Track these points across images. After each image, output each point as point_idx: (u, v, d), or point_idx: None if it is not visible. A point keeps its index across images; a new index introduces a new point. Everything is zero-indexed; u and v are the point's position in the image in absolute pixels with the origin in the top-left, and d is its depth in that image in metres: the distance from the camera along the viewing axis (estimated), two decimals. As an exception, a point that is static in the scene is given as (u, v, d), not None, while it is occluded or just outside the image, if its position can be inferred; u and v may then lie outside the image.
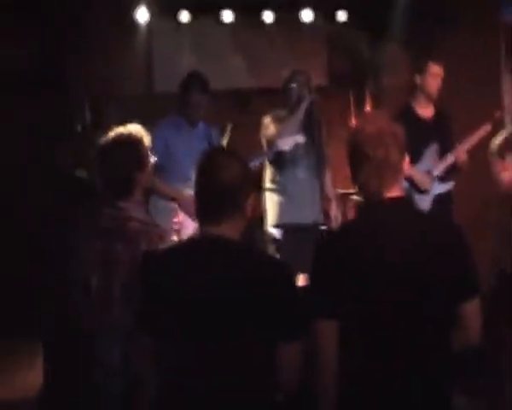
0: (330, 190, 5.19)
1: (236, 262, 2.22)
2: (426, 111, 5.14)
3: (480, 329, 2.33)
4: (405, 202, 2.42)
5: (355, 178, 2.34)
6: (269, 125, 4.97)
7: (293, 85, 4.89)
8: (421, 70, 5.08)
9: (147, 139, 3.00)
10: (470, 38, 6.61)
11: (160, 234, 2.88)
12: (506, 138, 3.65)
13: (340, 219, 5.11)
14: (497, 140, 3.67)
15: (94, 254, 2.83)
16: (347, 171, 2.39)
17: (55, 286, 3.06)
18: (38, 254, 5.12)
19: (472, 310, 2.27)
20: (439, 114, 5.16)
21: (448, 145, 4.96)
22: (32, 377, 4.24)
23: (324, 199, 5.10)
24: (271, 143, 4.86)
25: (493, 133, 4.73)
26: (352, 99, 7.49)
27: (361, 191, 2.36)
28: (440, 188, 4.93)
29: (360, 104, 7.47)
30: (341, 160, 4.98)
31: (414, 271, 2.19)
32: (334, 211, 5.09)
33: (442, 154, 5.01)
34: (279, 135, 4.82)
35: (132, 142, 2.94)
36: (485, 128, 4.97)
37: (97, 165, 2.99)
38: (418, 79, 5.12)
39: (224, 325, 2.12)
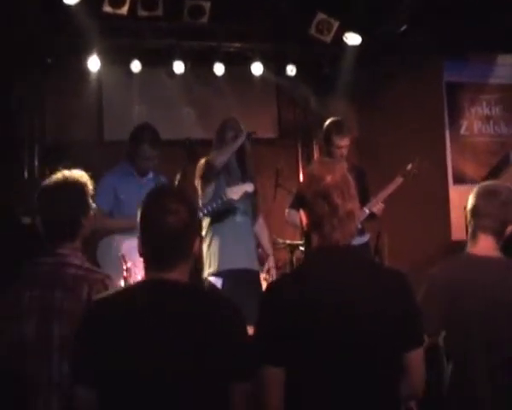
0: (267, 243, 5.17)
1: (187, 303, 2.18)
2: None
3: (423, 379, 2.34)
4: (356, 251, 2.45)
5: (314, 227, 2.31)
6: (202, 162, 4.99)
7: (229, 125, 4.94)
8: (326, 141, 5.15)
9: (90, 185, 2.98)
10: (415, 93, 6.96)
11: (101, 279, 2.82)
12: None
13: (274, 272, 5.06)
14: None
15: (32, 302, 2.74)
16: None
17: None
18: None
19: (415, 360, 2.29)
20: (351, 170, 5.12)
21: (363, 199, 4.89)
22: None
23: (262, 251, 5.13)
24: (211, 176, 4.82)
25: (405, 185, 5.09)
26: (300, 151, 7.95)
27: (319, 239, 2.30)
28: (357, 240, 4.80)
29: (308, 156, 7.93)
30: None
31: (364, 318, 2.18)
32: (271, 264, 5.04)
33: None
34: (215, 157, 4.83)
35: (78, 186, 2.92)
36: (397, 181, 5.11)
37: (40, 207, 2.92)
38: (324, 147, 5.24)
39: (176, 369, 2.06)
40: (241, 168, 5.00)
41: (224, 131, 4.97)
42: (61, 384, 2.64)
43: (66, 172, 2.93)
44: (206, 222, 4.96)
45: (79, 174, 2.94)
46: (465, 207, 3.04)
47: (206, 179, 4.85)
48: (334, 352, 2.15)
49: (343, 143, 5.06)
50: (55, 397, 2.65)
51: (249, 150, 5.01)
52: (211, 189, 4.82)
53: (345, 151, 5.08)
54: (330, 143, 5.09)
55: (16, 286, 2.80)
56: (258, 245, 5.14)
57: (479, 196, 2.96)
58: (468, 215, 2.99)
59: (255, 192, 5.00)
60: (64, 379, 2.61)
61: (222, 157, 4.82)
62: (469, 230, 2.99)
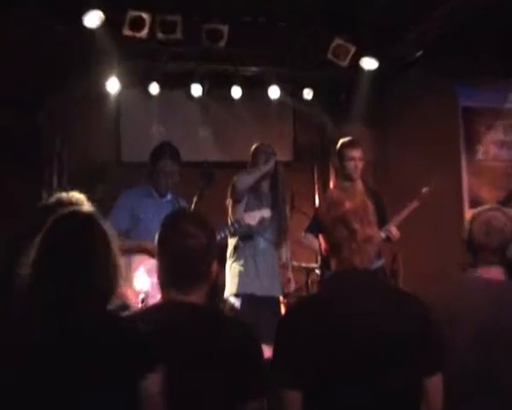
0: (287, 260, 5.28)
1: (203, 325, 2.21)
2: None
3: (441, 402, 2.33)
4: (375, 275, 2.52)
5: (333, 252, 2.34)
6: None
7: (262, 150, 5.07)
8: (340, 158, 5.17)
9: (87, 206, 2.93)
10: (430, 118, 6.85)
11: None
12: None
13: (293, 286, 5.26)
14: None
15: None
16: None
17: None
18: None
19: (434, 385, 2.30)
20: (369, 195, 4.98)
21: (380, 222, 4.89)
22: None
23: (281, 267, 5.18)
24: (236, 197, 4.91)
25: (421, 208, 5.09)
26: (315, 175, 8.00)
27: (337, 263, 2.34)
28: (374, 264, 4.83)
29: (324, 179, 7.96)
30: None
31: (381, 342, 2.19)
32: (289, 278, 5.19)
33: None
34: (240, 177, 4.92)
35: (73, 205, 2.89)
36: (413, 204, 5.11)
37: (37, 225, 2.86)
38: (338, 164, 5.27)
39: (188, 383, 2.07)
40: (273, 194, 5.07)
41: (256, 155, 5.09)
42: None
43: (64, 194, 2.95)
44: (231, 243, 5.02)
45: (77, 196, 2.96)
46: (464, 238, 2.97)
47: (233, 200, 4.95)
48: (357, 375, 2.16)
49: (354, 153, 5.05)
50: None
51: (283, 178, 5.09)
52: (241, 209, 4.89)
53: (359, 164, 5.06)
54: (343, 157, 5.09)
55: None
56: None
57: (480, 232, 2.87)
58: (472, 248, 2.91)
59: (285, 218, 5.12)
60: None
61: (247, 180, 4.90)
62: (473, 260, 2.92)
